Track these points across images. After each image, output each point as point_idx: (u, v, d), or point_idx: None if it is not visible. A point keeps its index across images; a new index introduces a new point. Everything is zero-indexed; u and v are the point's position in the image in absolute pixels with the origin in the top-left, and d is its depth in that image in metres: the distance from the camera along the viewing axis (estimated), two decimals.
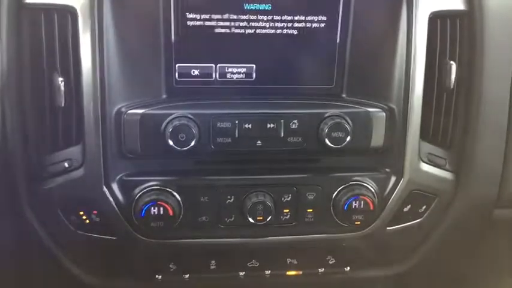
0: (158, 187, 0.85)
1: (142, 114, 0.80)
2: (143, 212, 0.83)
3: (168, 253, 0.90)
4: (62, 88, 0.79)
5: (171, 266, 0.93)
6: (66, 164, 0.84)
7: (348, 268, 0.96)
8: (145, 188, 0.84)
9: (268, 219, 0.84)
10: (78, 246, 0.90)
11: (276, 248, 0.91)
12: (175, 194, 0.85)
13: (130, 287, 0.97)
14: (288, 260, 0.94)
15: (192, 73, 0.83)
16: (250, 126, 0.80)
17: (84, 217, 0.87)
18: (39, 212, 0.84)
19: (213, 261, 0.93)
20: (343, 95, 0.84)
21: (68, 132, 0.84)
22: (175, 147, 0.80)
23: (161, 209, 0.83)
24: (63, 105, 0.81)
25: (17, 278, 0.95)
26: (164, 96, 0.83)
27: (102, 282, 0.94)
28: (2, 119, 0.79)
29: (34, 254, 0.91)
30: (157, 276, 0.93)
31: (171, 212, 0.84)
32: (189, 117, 0.81)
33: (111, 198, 0.84)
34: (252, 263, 0.92)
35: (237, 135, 0.80)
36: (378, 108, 0.81)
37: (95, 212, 0.86)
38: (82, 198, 0.85)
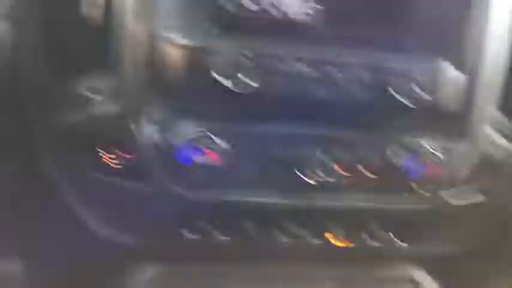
0: (203, 132, 0.71)
1: (192, 46, 0.66)
2: (185, 159, 0.70)
3: (204, 210, 0.78)
4: None
5: (204, 225, 0.80)
6: (92, 95, 0.70)
7: (405, 244, 0.84)
8: (188, 132, 0.71)
9: (325, 180, 0.70)
10: (101, 197, 0.77)
11: (324, 214, 0.78)
12: (220, 141, 0.71)
13: (158, 247, 0.84)
14: (332, 228, 0.81)
15: (251, 7, 0.70)
16: (311, 71, 0.68)
17: (111, 160, 0.73)
18: (56, 153, 0.71)
19: (252, 223, 0.81)
20: None
21: (98, 54, 0.69)
22: (225, 86, 0.67)
23: (206, 157, 0.70)
24: (93, 17, 0.66)
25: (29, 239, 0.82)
26: (217, 29, 0.68)
27: (124, 238, 0.82)
28: (16, 29, 0.65)
29: (48, 205, 0.77)
30: (188, 235, 0.80)
31: (216, 162, 0.70)
32: (244, 54, 0.67)
33: (147, 140, 0.70)
34: (293, 228, 0.80)
35: (294, 79, 0.68)
36: (455, 69, 0.71)
37: (126, 154, 0.72)
38: (111, 136, 0.71)
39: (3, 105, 0.71)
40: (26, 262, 0.85)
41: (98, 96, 0.69)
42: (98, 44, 0.69)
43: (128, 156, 0.72)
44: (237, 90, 0.67)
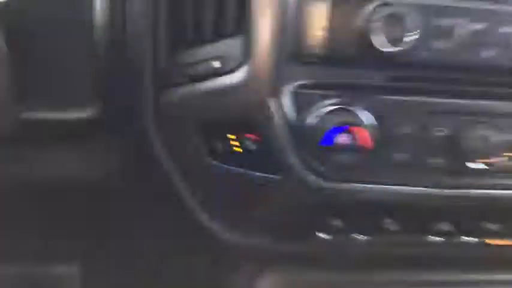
0: (347, 106, 0.58)
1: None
2: (329, 139, 0.57)
3: (340, 203, 0.64)
4: None
5: (336, 222, 0.67)
6: (216, 64, 0.58)
7: None
8: (330, 106, 0.58)
9: (491, 165, 0.55)
10: (217, 187, 0.65)
11: (483, 207, 0.63)
12: (367, 118, 0.58)
13: (286, 251, 0.71)
14: (488, 225, 0.69)
15: None
16: (484, 27, 0.57)
17: (234, 143, 0.61)
18: (168, 134, 0.62)
19: (397, 220, 0.67)
20: None
21: (222, 16, 0.59)
22: (380, 47, 0.54)
23: (351, 137, 0.57)
24: None
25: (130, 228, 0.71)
26: None
27: (243, 240, 0.70)
28: None
29: (156, 193, 0.66)
30: (319, 234, 0.67)
31: (365, 143, 0.57)
32: (404, 4, 0.54)
33: (279, 116, 0.58)
34: (443, 225, 0.65)
35: (462, 39, 0.57)
36: None
37: (253, 135, 0.60)
38: (235, 113, 0.60)
39: (116, 78, 0.61)
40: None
41: (224, 67, 0.58)
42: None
43: (256, 138, 0.60)
44: (385, 49, 0.54)
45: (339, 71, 0.59)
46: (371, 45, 0.55)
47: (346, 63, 0.59)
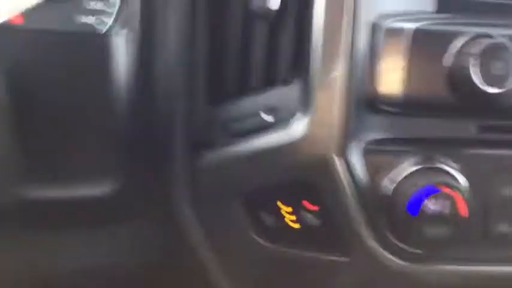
0: (435, 165, 0.46)
1: (416, 30, 0.43)
2: (413, 208, 0.44)
3: None
4: None
5: None
6: (266, 117, 0.47)
7: None
8: (413, 166, 0.46)
9: None
10: (265, 273, 0.52)
11: None
12: (461, 178, 0.46)
13: None
14: None
15: None
16: None
17: (288, 216, 0.49)
18: (205, 208, 0.50)
19: None
20: None
21: (273, 59, 0.48)
22: (483, 87, 0.42)
23: (444, 204, 0.44)
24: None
25: None
26: (434, 7, 0.47)
27: None
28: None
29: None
30: None
31: (461, 210, 0.44)
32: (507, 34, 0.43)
33: (347, 181, 0.46)
34: None
35: None
36: None
37: (314, 206, 0.47)
38: (291, 178, 0.48)
39: (140, 143, 0.49)
40: None
41: (278, 120, 0.46)
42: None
43: (318, 210, 0.47)
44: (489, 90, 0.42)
45: (422, 123, 0.48)
46: (465, 86, 0.43)
47: (431, 111, 0.47)
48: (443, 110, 0.47)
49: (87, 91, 0.51)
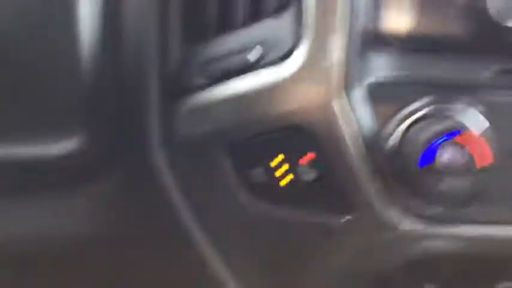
0: (450, 108, 0.40)
1: None
2: (427, 157, 0.38)
3: (443, 256, 0.44)
4: None
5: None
6: (253, 54, 0.40)
7: None
8: (425, 108, 0.39)
9: None
10: (253, 236, 0.45)
11: None
12: (482, 122, 0.39)
13: None
14: None
15: None
16: None
17: (280, 170, 0.42)
18: (183, 163, 0.45)
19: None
20: None
21: None
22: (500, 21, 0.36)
23: (462, 151, 0.38)
24: None
25: None
26: None
27: None
28: None
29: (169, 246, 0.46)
30: None
31: (483, 157, 0.38)
32: None
33: (348, 126, 0.39)
34: None
35: None
36: None
37: (310, 157, 0.41)
38: (283, 124, 0.41)
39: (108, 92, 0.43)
40: None
41: (267, 56, 0.39)
42: None
43: (315, 162, 0.40)
44: None
45: (434, 62, 0.41)
46: (480, 19, 0.37)
47: (443, 48, 0.40)
48: (457, 47, 0.41)
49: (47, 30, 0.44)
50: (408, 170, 0.39)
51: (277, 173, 0.42)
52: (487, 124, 0.40)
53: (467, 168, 0.38)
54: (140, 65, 0.45)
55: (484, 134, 0.39)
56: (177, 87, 0.43)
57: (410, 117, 0.40)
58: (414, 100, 0.40)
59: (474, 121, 0.40)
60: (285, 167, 0.42)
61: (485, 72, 0.41)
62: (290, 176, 0.42)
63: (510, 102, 0.41)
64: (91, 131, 0.45)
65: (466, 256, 0.45)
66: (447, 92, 0.41)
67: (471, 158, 0.38)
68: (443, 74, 0.41)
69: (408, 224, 0.42)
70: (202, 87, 0.42)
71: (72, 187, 0.48)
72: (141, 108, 0.45)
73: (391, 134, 0.40)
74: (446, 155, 0.38)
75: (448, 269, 0.47)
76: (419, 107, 0.40)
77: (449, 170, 0.38)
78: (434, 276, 0.47)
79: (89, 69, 0.44)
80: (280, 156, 0.42)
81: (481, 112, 0.40)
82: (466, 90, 0.41)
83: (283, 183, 0.42)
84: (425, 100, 0.40)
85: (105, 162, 0.46)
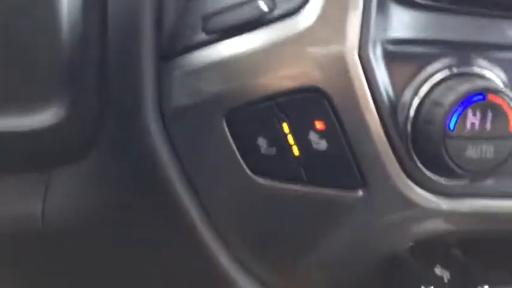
0: (473, 69, 0.36)
1: None
2: (452, 119, 0.34)
3: (465, 233, 0.41)
4: None
5: (438, 270, 0.43)
6: (258, 7, 0.36)
7: None
8: (448, 69, 0.35)
9: None
10: (253, 214, 0.41)
11: None
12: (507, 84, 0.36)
13: None
14: None
15: None
16: None
17: (287, 138, 0.38)
18: (179, 133, 0.41)
19: None
20: None
21: None
22: None
23: (493, 114, 0.34)
24: None
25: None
26: None
27: None
28: None
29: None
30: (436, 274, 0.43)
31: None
32: None
33: (362, 89, 0.35)
34: None
35: None
36: None
37: (321, 123, 0.37)
38: (290, 88, 0.37)
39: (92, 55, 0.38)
40: None
41: (274, 10, 0.35)
42: None
43: (326, 130, 0.36)
44: None
45: (455, 22, 0.38)
46: None
47: (465, 5, 0.37)
48: (479, 5, 0.38)
49: None
50: (432, 137, 0.35)
51: (284, 143, 0.38)
52: (510, 85, 0.37)
53: (493, 135, 0.35)
54: (131, 25, 0.40)
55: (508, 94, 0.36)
56: (174, 46, 0.39)
57: (431, 78, 0.36)
58: (435, 61, 0.37)
59: (499, 82, 0.37)
60: (293, 136, 0.38)
61: (506, 32, 0.38)
62: (298, 146, 0.38)
63: None
64: (76, 100, 0.40)
65: (483, 235, 0.42)
66: (469, 52, 0.37)
67: (505, 120, 0.34)
68: (464, 35, 0.38)
69: (427, 200, 0.38)
70: (203, 45, 0.38)
71: (59, 159, 0.43)
72: (133, 71, 0.40)
73: (411, 98, 0.36)
74: (471, 120, 0.35)
75: (460, 252, 0.44)
76: (440, 68, 0.37)
77: (479, 135, 0.35)
78: (447, 260, 0.44)
79: (72, 35, 0.39)
80: (288, 124, 0.37)
81: (504, 72, 0.37)
82: (489, 50, 0.38)
83: (290, 154, 0.38)
84: (446, 61, 0.37)
85: (93, 132, 0.42)
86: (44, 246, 0.46)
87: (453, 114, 0.35)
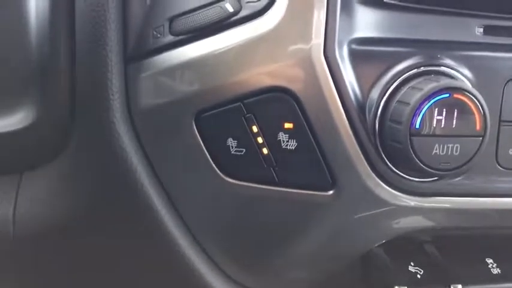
0: (439, 67, 0.36)
1: None
2: (418, 117, 0.34)
3: (433, 231, 0.41)
4: None
5: (411, 267, 0.43)
6: (224, 8, 0.36)
7: None
8: (414, 68, 0.36)
9: None
10: (222, 217, 0.41)
11: None
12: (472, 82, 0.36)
13: None
14: None
15: None
16: None
17: (255, 138, 0.38)
18: (146, 134, 0.41)
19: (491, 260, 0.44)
20: None
21: None
22: None
23: (458, 111, 0.34)
24: None
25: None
26: None
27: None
28: None
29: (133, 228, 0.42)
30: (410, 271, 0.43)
31: (477, 121, 0.35)
32: None
33: (333, 87, 0.35)
34: None
35: None
36: None
37: (289, 123, 0.37)
38: (258, 88, 0.37)
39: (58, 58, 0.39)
40: None
41: (242, 10, 0.36)
42: None
43: (295, 130, 0.36)
44: None
45: (421, 21, 0.38)
46: None
47: (431, 3, 0.37)
48: (444, 3, 0.38)
49: None
50: (399, 135, 0.35)
51: (254, 144, 0.38)
52: (475, 83, 0.37)
53: (467, 129, 0.35)
54: (96, 27, 0.40)
55: (476, 95, 0.36)
56: (140, 48, 0.39)
57: (398, 77, 0.36)
58: (402, 60, 0.37)
59: (466, 81, 0.37)
60: (262, 136, 0.38)
61: (472, 30, 0.38)
62: (268, 147, 0.38)
63: (498, 59, 0.38)
64: (46, 102, 0.40)
65: (453, 231, 0.42)
66: (436, 51, 0.37)
67: (472, 118, 0.35)
68: (431, 33, 0.38)
69: (396, 198, 0.38)
70: (170, 47, 0.38)
71: (29, 162, 0.43)
72: (100, 73, 0.40)
73: (378, 97, 0.36)
74: (437, 117, 0.35)
75: (434, 249, 0.44)
76: (407, 67, 0.37)
77: (446, 133, 0.35)
78: (420, 257, 0.44)
79: (40, 37, 0.39)
80: (257, 125, 0.37)
81: (470, 71, 0.37)
82: (455, 49, 0.38)
83: (260, 154, 0.38)
84: (413, 60, 0.37)
85: (63, 134, 0.41)
86: (16, 250, 0.45)
87: (419, 112, 0.35)
